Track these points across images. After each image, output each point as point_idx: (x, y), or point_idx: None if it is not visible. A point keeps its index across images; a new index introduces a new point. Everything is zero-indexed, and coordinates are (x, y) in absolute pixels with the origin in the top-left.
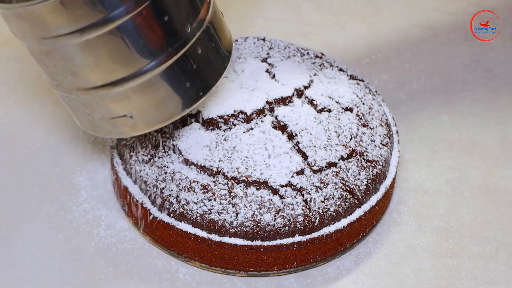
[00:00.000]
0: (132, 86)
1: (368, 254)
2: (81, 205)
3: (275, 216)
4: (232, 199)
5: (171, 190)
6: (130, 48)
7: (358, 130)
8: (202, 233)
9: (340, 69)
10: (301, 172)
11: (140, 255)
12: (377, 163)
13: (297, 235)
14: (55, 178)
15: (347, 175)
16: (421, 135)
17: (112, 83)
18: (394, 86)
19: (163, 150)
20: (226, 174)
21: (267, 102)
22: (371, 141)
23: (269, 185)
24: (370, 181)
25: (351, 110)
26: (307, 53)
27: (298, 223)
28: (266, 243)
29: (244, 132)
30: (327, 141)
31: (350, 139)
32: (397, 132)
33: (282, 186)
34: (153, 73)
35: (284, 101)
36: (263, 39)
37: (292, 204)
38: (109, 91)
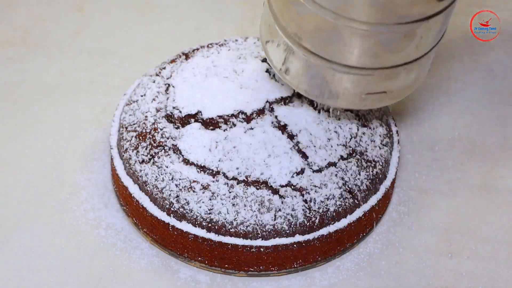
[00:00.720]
0: (417, 63)
1: (368, 254)
2: (82, 205)
3: (275, 215)
4: (232, 199)
5: (171, 190)
6: (440, 30)
7: (358, 130)
8: (202, 233)
9: None
10: (301, 172)
11: (140, 255)
12: (377, 163)
13: (297, 235)
14: (55, 177)
15: (347, 175)
16: (421, 135)
17: (402, 64)
18: None
19: (163, 150)
20: (226, 174)
21: (267, 102)
22: (371, 141)
23: (269, 185)
24: (370, 181)
25: (351, 110)
26: None
27: (298, 223)
28: (266, 243)
29: (244, 132)
30: (327, 141)
31: (350, 139)
32: (397, 132)
33: (282, 186)
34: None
35: (284, 100)
36: None
37: (292, 204)
38: (391, 71)
